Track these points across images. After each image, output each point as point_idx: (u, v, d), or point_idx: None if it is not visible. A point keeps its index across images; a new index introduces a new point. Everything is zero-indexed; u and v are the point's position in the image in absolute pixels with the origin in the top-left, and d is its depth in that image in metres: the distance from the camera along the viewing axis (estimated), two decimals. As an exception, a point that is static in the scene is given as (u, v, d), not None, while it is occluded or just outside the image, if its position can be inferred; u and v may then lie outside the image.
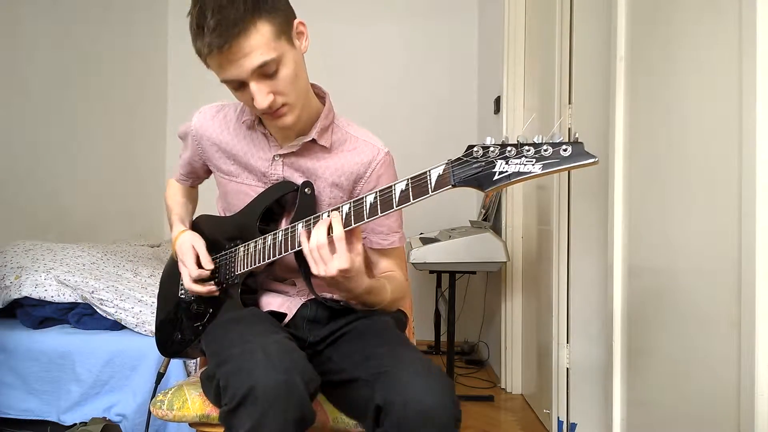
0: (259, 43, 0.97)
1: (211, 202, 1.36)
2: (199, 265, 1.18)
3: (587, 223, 1.97)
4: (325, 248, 1.00)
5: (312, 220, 1.05)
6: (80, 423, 1.83)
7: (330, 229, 1.00)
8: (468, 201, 3.57)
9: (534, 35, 2.62)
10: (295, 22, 1.06)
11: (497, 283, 2.93)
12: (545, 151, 0.80)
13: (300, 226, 1.06)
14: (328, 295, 1.21)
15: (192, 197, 1.42)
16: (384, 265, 1.25)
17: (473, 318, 3.35)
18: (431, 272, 3.19)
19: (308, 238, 1.02)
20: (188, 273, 1.17)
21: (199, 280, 1.18)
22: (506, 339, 2.79)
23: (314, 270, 1.02)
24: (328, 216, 1.02)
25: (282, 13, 1.01)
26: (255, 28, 0.96)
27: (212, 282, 1.20)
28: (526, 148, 0.81)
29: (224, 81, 1.02)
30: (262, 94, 1.01)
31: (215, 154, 1.23)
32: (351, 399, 1.03)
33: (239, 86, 1.02)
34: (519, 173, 0.81)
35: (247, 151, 1.19)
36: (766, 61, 0.99)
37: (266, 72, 1.00)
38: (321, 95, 1.20)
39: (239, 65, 0.98)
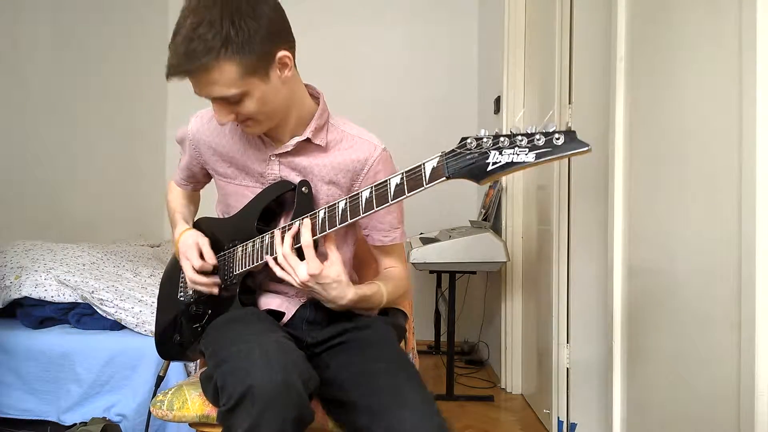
0: (219, 80, 0.98)
1: (211, 207, 1.36)
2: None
3: (587, 223, 1.96)
4: (291, 257, 1.04)
5: (309, 217, 1.06)
6: (80, 423, 1.83)
7: (299, 238, 1.05)
8: (468, 201, 3.57)
9: (534, 35, 2.62)
10: (279, 55, 1.02)
11: (497, 283, 2.93)
12: (538, 140, 0.80)
13: (297, 224, 1.07)
14: None
15: (194, 200, 1.42)
16: (386, 261, 1.27)
17: (473, 318, 3.35)
18: (431, 272, 3.19)
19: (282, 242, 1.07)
20: (191, 265, 1.18)
21: (202, 273, 1.18)
22: (506, 339, 2.79)
23: (289, 280, 1.06)
24: (297, 222, 1.06)
25: (257, 53, 0.98)
26: (218, 67, 0.96)
27: (215, 275, 1.20)
28: (519, 138, 0.81)
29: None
30: (222, 114, 1.04)
31: (212, 157, 1.23)
32: (350, 421, 1.03)
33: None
34: (513, 163, 0.82)
35: (243, 152, 1.19)
36: (766, 61, 0.99)
37: (229, 101, 1.02)
38: (315, 95, 1.20)
39: (200, 89, 1.01)
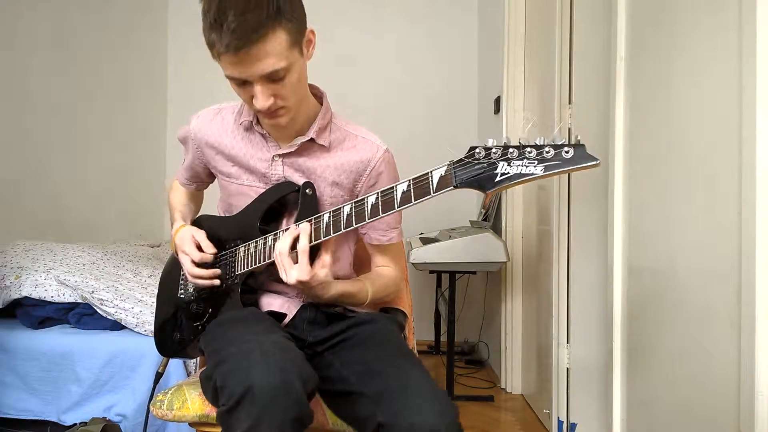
0: (274, 50, 0.97)
1: (213, 205, 1.36)
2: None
3: (587, 223, 1.96)
4: (285, 258, 1.05)
5: (313, 220, 1.07)
6: (80, 423, 1.83)
7: (297, 239, 1.05)
8: (468, 201, 3.56)
9: (534, 35, 2.62)
10: (307, 30, 1.06)
11: (497, 283, 2.93)
12: (547, 153, 0.80)
13: (301, 226, 1.07)
14: None
15: (196, 199, 1.42)
16: (380, 260, 1.28)
17: (473, 318, 3.35)
18: (431, 272, 3.19)
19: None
20: (190, 259, 1.18)
21: (202, 266, 1.18)
22: (506, 339, 2.79)
23: (281, 275, 1.07)
24: (300, 224, 1.07)
25: (298, 23, 1.01)
26: (274, 35, 0.96)
27: (216, 268, 1.20)
28: (528, 149, 0.81)
29: (229, 77, 1.03)
30: (264, 96, 1.02)
31: (215, 156, 1.23)
32: (352, 412, 1.03)
33: (242, 84, 1.03)
34: (521, 175, 0.82)
35: (246, 152, 1.19)
36: (766, 61, 0.99)
37: (274, 78, 1.00)
38: (318, 95, 1.20)
39: (250, 68, 0.98)
